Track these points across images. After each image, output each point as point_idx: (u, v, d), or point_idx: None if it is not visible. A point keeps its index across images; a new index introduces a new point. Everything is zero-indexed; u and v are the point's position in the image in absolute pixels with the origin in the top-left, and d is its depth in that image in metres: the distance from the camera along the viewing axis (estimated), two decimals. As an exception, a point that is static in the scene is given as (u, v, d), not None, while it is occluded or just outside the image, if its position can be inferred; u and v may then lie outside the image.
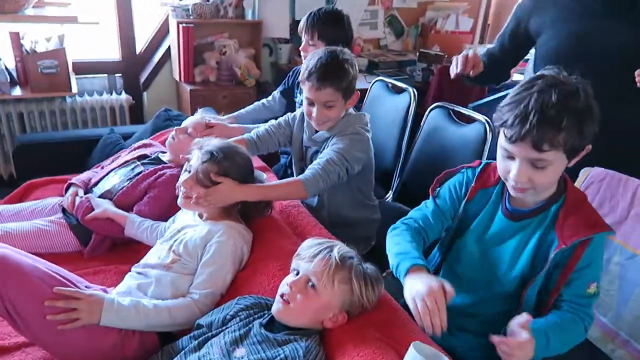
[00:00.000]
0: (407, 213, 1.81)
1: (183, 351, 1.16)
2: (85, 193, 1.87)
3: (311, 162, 1.65)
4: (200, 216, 1.51)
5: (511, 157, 1.06)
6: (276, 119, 2.21)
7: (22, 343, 1.35)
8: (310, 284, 1.10)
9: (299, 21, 3.19)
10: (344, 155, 1.53)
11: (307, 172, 1.51)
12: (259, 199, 1.48)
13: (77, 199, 1.80)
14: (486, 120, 1.81)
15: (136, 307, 1.27)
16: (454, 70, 1.68)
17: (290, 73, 2.27)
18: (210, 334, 1.18)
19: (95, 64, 3.09)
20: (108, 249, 1.78)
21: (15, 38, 2.58)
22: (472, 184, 1.23)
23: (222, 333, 1.15)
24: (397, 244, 1.17)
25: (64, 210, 1.83)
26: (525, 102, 0.99)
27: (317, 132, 1.66)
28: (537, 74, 1.07)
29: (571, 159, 1.05)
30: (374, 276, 1.14)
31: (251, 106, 2.29)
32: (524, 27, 1.69)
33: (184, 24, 2.82)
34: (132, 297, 1.35)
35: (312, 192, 1.50)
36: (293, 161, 1.82)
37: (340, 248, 1.13)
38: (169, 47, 3.07)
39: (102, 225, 1.74)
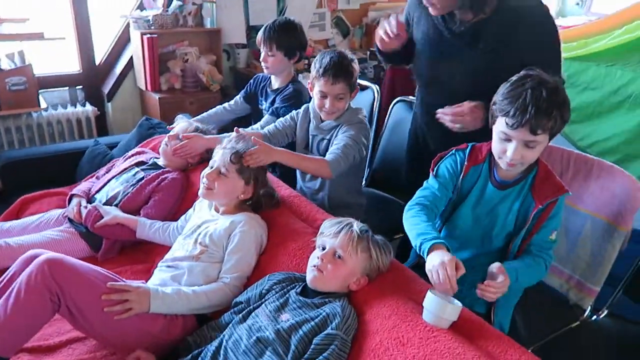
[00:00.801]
0: (381, 197, 2.09)
1: (228, 326, 1.36)
2: (88, 202, 1.98)
3: (317, 148, 1.90)
4: (217, 210, 1.69)
5: (508, 140, 1.33)
6: (240, 120, 2.41)
7: (67, 340, 1.47)
8: (337, 255, 1.33)
9: (254, 27, 3.43)
10: (356, 140, 1.78)
11: (330, 155, 1.75)
12: (290, 164, 1.75)
13: (83, 209, 1.91)
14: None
15: (178, 293, 1.45)
16: (389, 34, 1.66)
17: (252, 80, 2.41)
18: (251, 307, 1.38)
19: (55, 77, 3.11)
20: (118, 252, 1.92)
21: (-20, 57, 2.58)
22: (465, 162, 1.50)
23: (262, 304, 1.36)
24: (416, 224, 1.38)
25: (70, 220, 1.93)
26: (523, 97, 1.27)
27: (323, 121, 1.89)
28: (523, 73, 1.34)
29: (551, 139, 1.35)
30: (386, 244, 1.39)
31: (213, 110, 2.41)
32: (410, 31, 1.80)
33: (148, 35, 2.92)
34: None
35: (335, 173, 1.73)
36: (297, 150, 2.00)
37: (357, 224, 1.37)
38: (132, 57, 3.15)
39: (112, 231, 1.87)
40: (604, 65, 2.83)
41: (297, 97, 2.18)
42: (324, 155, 1.82)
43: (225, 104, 2.43)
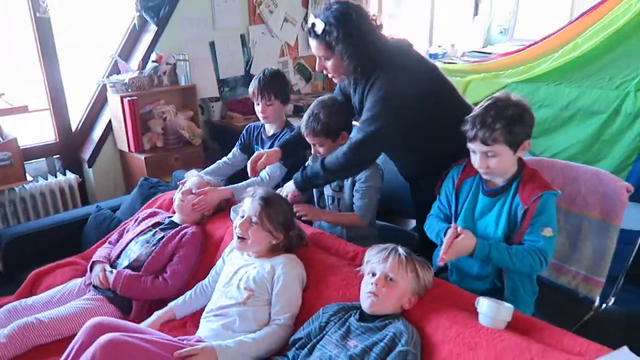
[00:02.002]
0: (389, 227, 2.27)
1: (297, 362, 1.42)
2: (111, 267, 1.97)
3: (330, 184, 2.09)
4: (249, 255, 1.75)
5: (474, 152, 1.56)
6: (240, 171, 2.51)
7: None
8: (389, 278, 1.44)
9: (224, 80, 3.55)
10: (375, 188, 2.02)
11: (358, 211, 2.00)
12: (330, 221, 2.03)
13: (109, 274, 1.91)
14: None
15: (240, 344, 1.50)
16: None
17: (244, 132, 2.52)
18: (314, 340, 1.45)
19: (35, 148, 3.07)
20: (148, 311, 1.92)
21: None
22: (459, 176, 1.70)
23: (325, 336, 1.44)
24: (434, 227, 1.71)
25: (95, 287, 1.92)
26: (476, 113, 1.52)
27: None
28: (490, 97, 1.57)
29: (515, 150, 1.54)
30: (427, 263, 1.52)
31: (215, 165, 2.49)
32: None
33: (128, 98, 2.97)
34: (221, 337, 1.56)
35: (366, 222, 2.02)
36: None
37: (401, 247, 1.49)
38: (110, 121, 3.17)
39: (140, 292, 1.88)
40: (552, 84, 3.17)
41: (299, 140, 2.29)
42: (336, 190, 2.04)
43: (225, 158, 2.51)
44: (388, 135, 1.79)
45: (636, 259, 1.88)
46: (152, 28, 3.25)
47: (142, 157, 3.03)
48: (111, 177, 3.27)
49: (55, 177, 3.05)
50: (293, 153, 2.14)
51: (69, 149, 3.19)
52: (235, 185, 2.18)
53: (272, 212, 1.69)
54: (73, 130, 3.21)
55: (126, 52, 3.32)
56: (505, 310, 1.32)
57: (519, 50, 3.72)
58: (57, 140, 3.15)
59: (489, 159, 1.53)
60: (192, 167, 2.52)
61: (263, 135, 2.43)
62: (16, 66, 3.08)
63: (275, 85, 2.28)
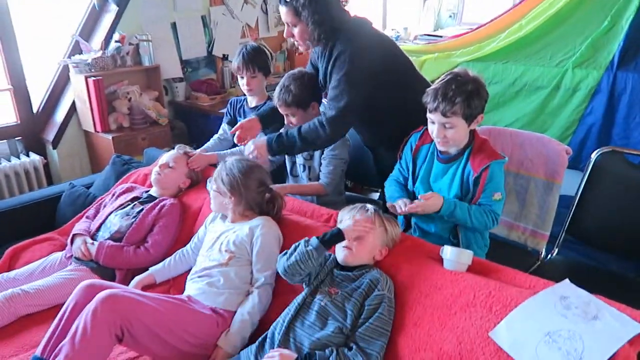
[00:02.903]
0: (355, 197, 2.42)
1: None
2: (92, 239, 2.03)
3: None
4: (223, 219, 1.87)
5: (432, 122, 1.70)
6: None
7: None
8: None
9: (187, 60, 3.59)
10: (341, 158, 2.20)
11: (323, 179, 2.17)
12: (293, 193, 2.12)
13: (90, 246, 1.98)
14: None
15: (242, 323, 1.63)
16: None
17: (228, 106, 2.61)
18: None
19: (-5, 130, 3.03)
20: (130, 280, 1.99)
21: None
22: (416, 143, 1.86)
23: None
24: (393, 193, 1.86)
25: (76, 259, 1.98)
26: (437, 87, 1.66)
27: None
28: (449, 72, 1.72)
29: (470, 123, 1.71)
30: (394, 219, 1.68)
31: (209, 143, 2.58)
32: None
33: (93, 78, 2.98)
34: (206, 294, 1.68)
35: (329, 190, 2.18)
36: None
37: (369, 205, 1.64)
38: (73, 101, 3.16)
39: (122, 261, 1.96)
40: (500, 62, 3.41)
41: (277, 111, 2.41)
42: (307, 158, 2.21)
43: (216, 135, 2.59)
44: (355, 109, 1.93)
45: (574, 216, 2.11)
46: (113, 8, 3.24)
47: (109, 137, 3.05)
48: (76, 158, 3.27)
49: (19, 158, 3.02)
50: (271, 122, 2.26)
51: (30, 130, 3.16)
52: (221, 152, 2.31)
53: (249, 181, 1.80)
54: (34, 111, 3.18)
55: (86, 33, 3.29)
56: (467, 254, 1.50)
57: (468, 32, 3.95)
58: (19, 122, 3.12)
59: (446, 130, 1.68)
60: (159, 146, 2.60)
61: (246, 107, 2.53)
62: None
63: (258, 59, 2.39)
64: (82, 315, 1.40)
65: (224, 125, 2.60)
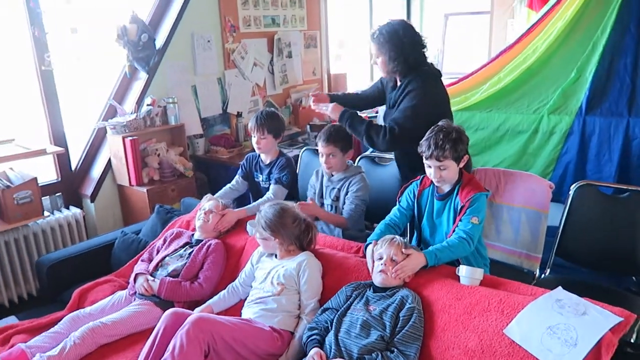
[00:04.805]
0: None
1: (332, 325, 1.88)
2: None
3: (329, 195, 2.64)
4: (274, 256, 2.21)
5: (429, 167, 2.10)
6: (243, 197, 2.98)
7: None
8: (392, 259, 1.95)
9: (205, 118, 4.00)
10: (362, 199, 2.59)
11: (346, 213, 2.56)
12: (323, 219, 2.51)
13: (152, 283, 2.29)
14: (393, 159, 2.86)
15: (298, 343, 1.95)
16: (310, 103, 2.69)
17: (244, 161, 2.99)
18: (342, 309, 1.91)
19: (44, 187, 3.34)
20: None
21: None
22: (418, 188, 2.24)
23: (351, 306, 1.91)
24: (374, 233, 2.16)
25: (140, 296, 2.29)
26: (429, 139, 2.06)
27: (332, 175, 2.64)
28: (435, 125, 2.11)
29: (459, 162, 2.10)
30: (417, 248, 2.04)
31: (222, 191, 2.93)
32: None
33: (129, 138, 3.35)
34: (263, 317, 2.00)
35: (351, 225, 2.55)
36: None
37: (397, 236, 2.01)
38: (109, 159, 3.51)
39: (180, 295, 2.28)
40: (485, 111, 3.88)
41: (290, 164, 2.81)
42: (334, 199, 2.61)
43: (229, 185, 2.95)
44: (410, 134, 2.29)
45: (560, 241, 2.50)
46: (142, 75, 3.66)
47: (144, 189, 3.39)
48: (109, 210, 3.59)
49: (61, 212, 3.34)
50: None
51: (70, 186, 3.49)
52: (248, 206, 2.65)
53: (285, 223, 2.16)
54: (73, 169, 3.52)
55: (119, 97, 3.69)
56: (479, 272, 1.87)
57: (453, 84, 4.44)
58: (59, 179, 3.45)
59: (441, 171, 2.08)
60: (185, 196, 2.98)
61: (261, 164, 2.91)
62: (19, 112, 3.38)
63: (269, 123, 2.78)
64: (177, 334, 1.71)
65: (237, 177, 2.97)
